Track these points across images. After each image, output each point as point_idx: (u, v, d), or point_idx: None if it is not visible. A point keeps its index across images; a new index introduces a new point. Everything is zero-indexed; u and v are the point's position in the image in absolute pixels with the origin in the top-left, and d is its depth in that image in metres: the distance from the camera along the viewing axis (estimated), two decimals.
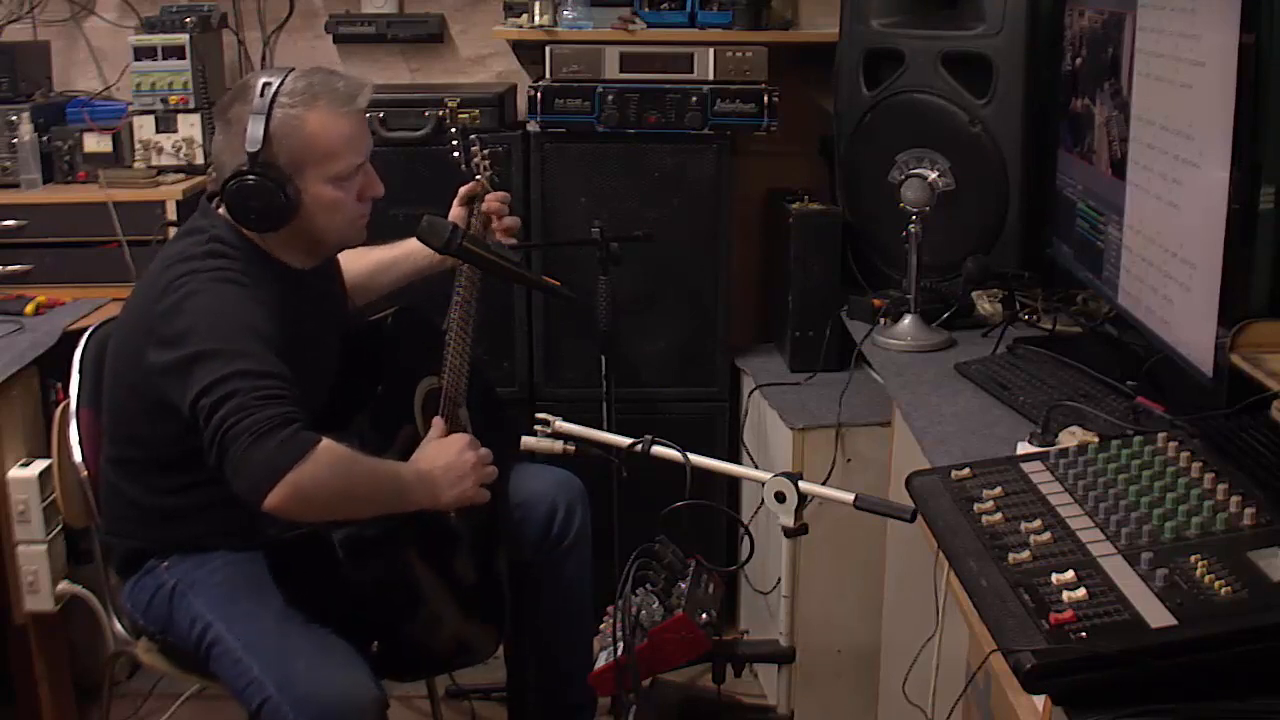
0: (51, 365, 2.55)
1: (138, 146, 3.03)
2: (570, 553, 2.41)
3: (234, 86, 2.10)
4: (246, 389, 1.83)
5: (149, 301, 1.99)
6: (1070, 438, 1.75)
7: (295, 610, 1.98)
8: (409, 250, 2.43)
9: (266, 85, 2.01)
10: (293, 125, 2.00)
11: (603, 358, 2.81)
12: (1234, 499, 1.39)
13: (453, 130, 2.50)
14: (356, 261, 2.40)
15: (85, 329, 2.35)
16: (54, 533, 2.47)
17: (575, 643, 2.36)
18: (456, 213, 2.42)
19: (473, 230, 2.36)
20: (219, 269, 1.99)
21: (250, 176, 1.99)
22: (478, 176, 2.44)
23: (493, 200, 2.42)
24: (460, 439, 2.10)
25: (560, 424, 2.13)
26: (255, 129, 1.98)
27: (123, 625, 2.27)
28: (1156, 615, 1.23)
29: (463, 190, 2.43)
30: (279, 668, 1.91)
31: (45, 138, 3.00)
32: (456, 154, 2.47)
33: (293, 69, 2.07)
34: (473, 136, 2.48)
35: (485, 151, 2.47)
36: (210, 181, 2.98)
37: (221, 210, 2.09)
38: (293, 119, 2.00)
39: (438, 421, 2.16)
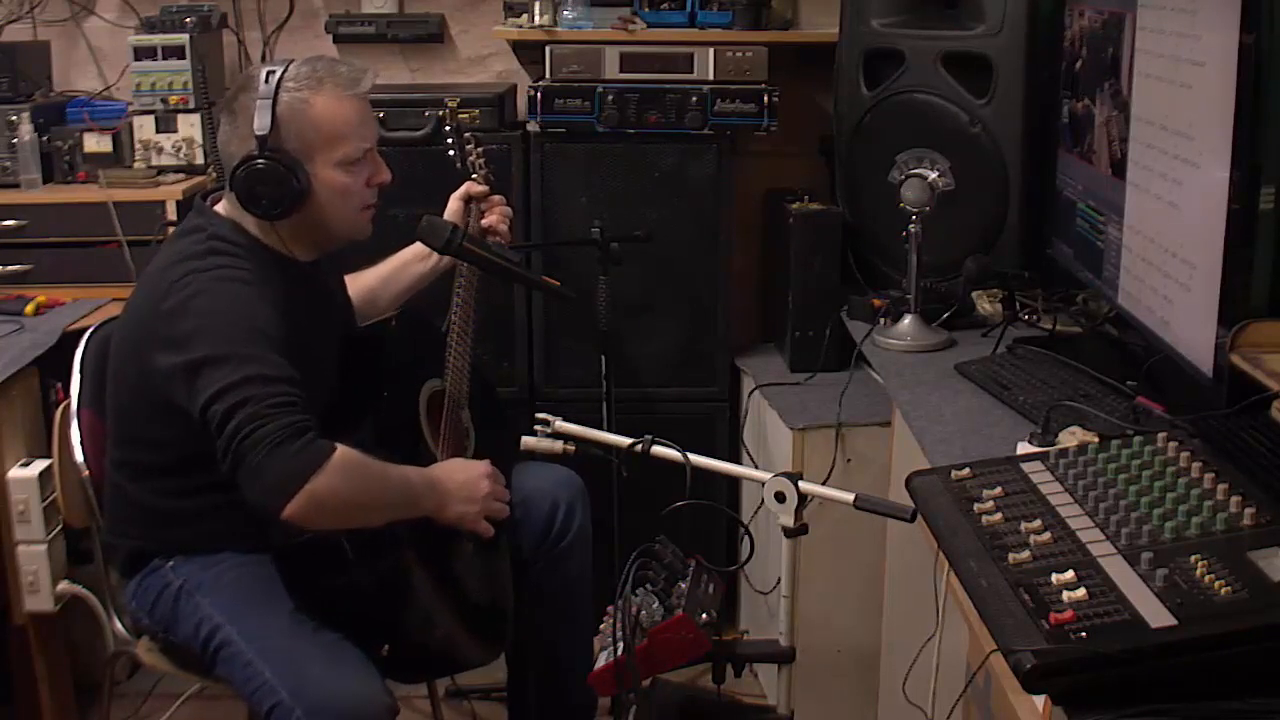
0: (51, 365, 2.55)
1: (138, 146, 3.03)
2: (570, 551, 2.40)
3: (237, 80, 2.10)
4: (259, 396, 1.83)
5: (152, 303, 1.98)
6: (1070, 438, 1.75)
7: (306, 614, 1.98)
8: (405, 260, 2.44)
9: (271, 73, 2.01)
10: (300, 109, 2.01)
11: (603, 358, 2.81)
12: (1234, 499, 1.39)
13: (448, 129, 2.50)
14: (355, 283, 2.41)
15: (85, 329, 2.35)
16: (54, 533, 2.46)
17: (575, 642, 2.36)
18: (454, 207, 2.42)
19: (470, 229, 2.36)
20: (221, 267, 1.98)
21: (259, 161, 1.98)
22: (473, 175, 2.44)
23: (495, 215, 2.43)
24: (484, 467, 2.12)
25: (560, 424, 2.13)
26: (263, 114, 1.98)
27: (123, 624, 2.27)
28: (1156, 615, 1.23)
29: (465, 187, 2.43)
30: (291, 673, 1.91)
31: (45, 138, 3.00)
32: (452, 153, 2.47)
33: (294, 59, 2.07)
34: (467, 135, 2.48)
35: (480, 150, 2.47)
36: (211, 181, 3.00)
37: (218, 208, 2.09)
38: (300, 102, 2.01)
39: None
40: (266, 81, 2.00)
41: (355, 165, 2.07)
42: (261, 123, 1.98)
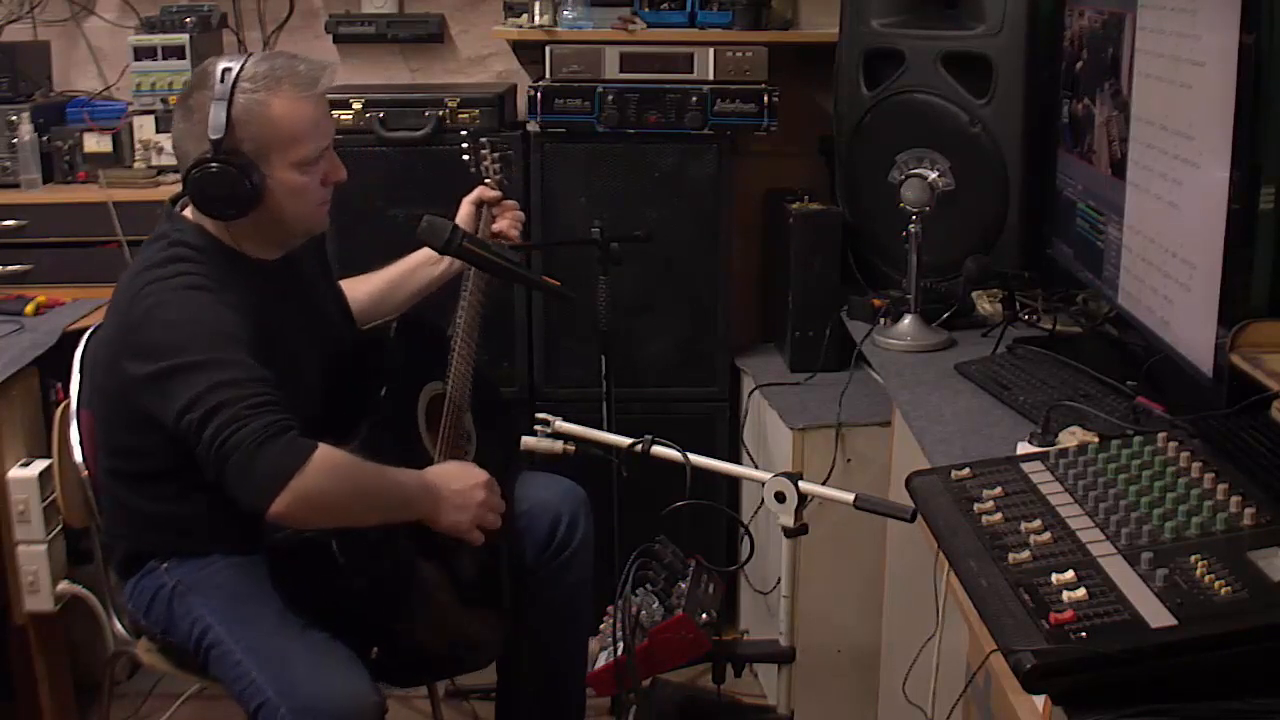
0: (51, 365, 2.55)
1: (138, 146, 3.03)
2: (573, 560, 2.39)
3: (194, 74, 2.05)
4: (234, 399, 1.82)
5: (120, 313, 1.97)
6: (1070, 438, 1.75)
7: (295, 614, 1.98)
8: (416, 263, 2.42)
9: (226, 71, 1.95)
10: (256, 110, 1.96)
11: (603, 358, 2.81)
12: (1234, 499, 1.39)
13: (463, 133, 2.49)
14: (362, 285, 2.40)
15: (85, 329, 2.35)
16: (54, 533, 2.47)
17: (572, 646, 2.35)
18: (465, 211, 2.41)
19: (480, 233, 2.36)
20: (182, 274, 1.95)
21: (213, 164, 1.94)
22: (486, 180, 2.44)
23: (507, 220, 2.42)
24: (481, 475, 2.10)
25: (560, 424, 2.13)
26: (218, 115, 1.93)
27: (123, 625, 2.27)
28: (1156, 615, 1.23)
29: (477, 192, 2.42)
30: (278, 672, 1.91)
31: (45, 138, 3.00)
32: (466, 157, 2.46)
33: (252, 54, 2.04)
34: (483, 140, 2.47)
35: (496, 155, 2.47)
36: None
37: (186, 212, 2.07)
38: (256, 104, 1.96)
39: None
40: (222, 80, 1.94)
41: (312, 165, 2.03)
42: (216, 123, 1.93)
